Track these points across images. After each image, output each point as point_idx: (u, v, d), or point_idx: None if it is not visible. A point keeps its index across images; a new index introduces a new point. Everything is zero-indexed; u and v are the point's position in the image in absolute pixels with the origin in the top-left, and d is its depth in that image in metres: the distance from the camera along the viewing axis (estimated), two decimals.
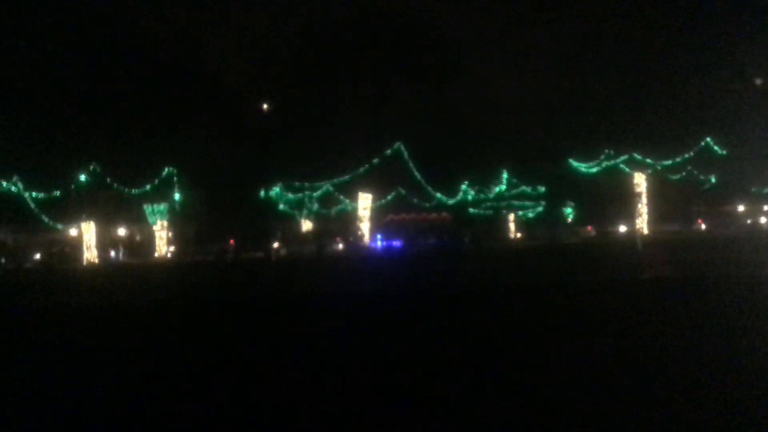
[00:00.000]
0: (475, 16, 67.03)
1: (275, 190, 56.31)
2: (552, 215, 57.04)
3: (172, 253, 51.64)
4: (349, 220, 56.89)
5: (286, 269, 27.19)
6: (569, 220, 57.98)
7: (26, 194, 48.76)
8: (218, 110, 52.04)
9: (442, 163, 56.20)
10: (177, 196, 52.50)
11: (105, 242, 50.59)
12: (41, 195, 49.30)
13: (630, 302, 9.43)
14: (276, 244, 49.38)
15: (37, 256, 47.86)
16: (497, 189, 58.86)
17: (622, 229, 53.70)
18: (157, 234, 52.44)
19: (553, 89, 58.71)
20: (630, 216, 55.01)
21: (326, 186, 56.93)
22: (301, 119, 55.51)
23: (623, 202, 54.79)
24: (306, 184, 56.82)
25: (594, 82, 58.58)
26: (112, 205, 51.71)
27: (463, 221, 56.48)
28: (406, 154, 55.92)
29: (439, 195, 57.58)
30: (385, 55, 59.25)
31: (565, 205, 58.19)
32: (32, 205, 48.84)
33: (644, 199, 55.56)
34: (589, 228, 54.93)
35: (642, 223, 54.75)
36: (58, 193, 49.81)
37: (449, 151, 56.35)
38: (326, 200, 58.20)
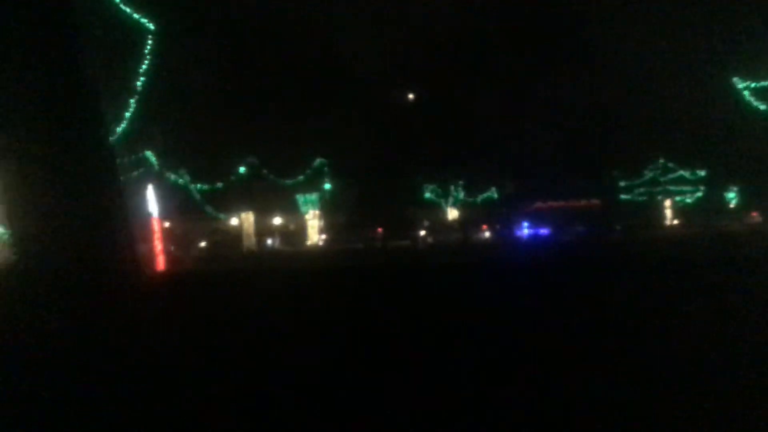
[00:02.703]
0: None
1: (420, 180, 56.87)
2: (712, 201, 53.53)
3: (324, 240, 53.72)
4: (495, 207, 56.42)
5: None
6: (732, 205, 54.15)
7: (192, 186, 52.18)
8: (366, 101, 53.06)
9: (592, 146, 54.03)
10: (327, 185, 54.36)
11: (262, 231, 53.53)
12: (205, 186, 52.61)
13: None
14: (422, 232, 50.04)
15: (202, 244, 51.37)
16: (651, 174, 56.07)
17: None
18: (308, 223, 54.78)
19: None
20: None
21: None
22: (450, 110, 55.34)
23: None
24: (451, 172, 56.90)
25: None
26: (267, 195, 54.38)
27: (615, 208, 54.31)
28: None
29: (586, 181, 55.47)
30: (532, 42, 57.58)
31: (728, 190, 54.38)
32: (197, 196, 52.24)
33: None
34: (755, 214, 50.98)
35: None
36: (220, 184, 52.92)
37: (601, 135, 54.10)
38: (472, 188, 58.11)
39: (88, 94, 9.73)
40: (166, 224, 49.51)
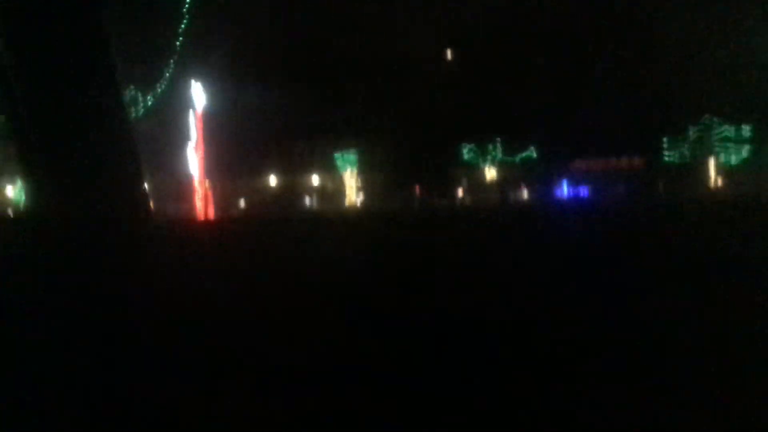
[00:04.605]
0: None
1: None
2: (759, 160, 52.02)
3: (362, 200, 53.94)
4: (534, 166, 55.73)
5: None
6: None
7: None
8: (406, 61, 52.46)
9: (633, 103, 52.57)
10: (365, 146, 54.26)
11: (300, 190, 53.90)
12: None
13: None
14: (460, 192, 49.87)
15: (242, 202, 51.97)
16: (696, 132, 54.61)
17: None
18: (346, 182, 54.91)
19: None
20: None
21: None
22: (488, 68, 54.40)
23: None
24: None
25: None
26: (305, 154, 54.56)
27: (657, 167, 53.23)
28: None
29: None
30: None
31: None
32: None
33: None
34: None
35: None
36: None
37: (641, 91, 52.66)
38: (510, 147, 57.41)
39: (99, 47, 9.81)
40: (207, 183, 50.37)
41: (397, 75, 51.46)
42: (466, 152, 57.76)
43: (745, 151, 53.57)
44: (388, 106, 50.73)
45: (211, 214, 49.26)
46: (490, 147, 57.97)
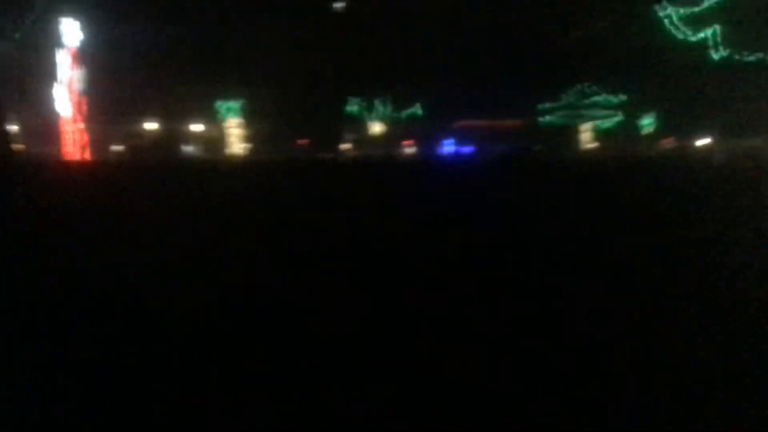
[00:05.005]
0: None
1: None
2: (628, 126, 55.24)
3: (245, 150, 52.68)
4: (420, 123, 56.38)
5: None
6: (648, 131, 56.05)
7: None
8: (295, 8, 51.14)
9: (516, 69, 54.11)
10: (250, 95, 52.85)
11: (181, 137, 51.85)
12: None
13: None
14: (346, 146, 49.76)
15: (117, 147, 49.45)
16: (570, 97, 57.14)
17: (703, 142, 51.20)
18: (230, 131, 53.40)
19: None
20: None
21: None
22: (378, 22, 53.99)
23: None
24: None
25: None
26: (187, 100, 52.44)
27: (536, 129, 55.36)
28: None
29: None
30: None
31: (644, 117, 56.11)
32: None
33: None
34: (669, 139, 53.03)
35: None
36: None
37: (523, 58, 54.21)
38: (397, 103, 57.74)
39: None
40: (80, 126, 47.60)
41: (286, 23, 50.21)
42: (354, 106, 57.56)
43: (616, 117, 56.63)
44: (275, 55, 49.50)
45: (84, 157, 46.72)
46: (377, 102, 58.04)
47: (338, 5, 56.17)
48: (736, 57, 51.22)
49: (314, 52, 51.02)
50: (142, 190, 13.79)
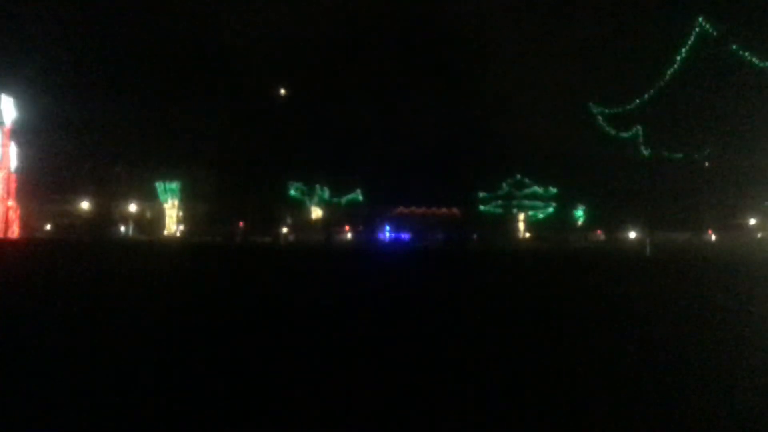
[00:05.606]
0: (489, 15, 66.26)
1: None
2: (562, 218, 56.88)
3: (182, 231, 51.93)
4: (359, 209, 56.96)
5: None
6: (579, 223, 57.79)
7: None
8: (237, 93, 51.80)
9: (454, 159, 55.57)
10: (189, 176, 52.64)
11: (115, 217, 50.94)
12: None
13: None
14: (285, 230, 49.58)
15: (48, 226, 48.20)
16: (507, 188, 58.71)
17: (632, 234, 52.91)
18: (167, 212, 52.78)
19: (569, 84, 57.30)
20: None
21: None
22: (321, 108, 55.01)
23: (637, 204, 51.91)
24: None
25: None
26: (124, 180, 51.94)
27: (473, 218, 56.43)
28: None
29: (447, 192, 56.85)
30: (405, 48, 58.73)
31: (576, 208, 57.99)
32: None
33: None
34: (599, 232, 54.71)
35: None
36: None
37: (463, 148, 55.80)
38: (336, 189, 58.33)
39: None
40: (10, 203, 46.35)
41: (228, 106, 50.71)
42: (293, 190, 57.84)
43: (550, 208, 58.33)
44: (215, 137, 49.70)
45: (13, 234, 45.24)
46: (317, 187, 58.51)
47: (281, 90, 57.21)
48: (665, 153, 53.77)
49: (255, 136, 51.49)
50: (67, 267, 13.63)
